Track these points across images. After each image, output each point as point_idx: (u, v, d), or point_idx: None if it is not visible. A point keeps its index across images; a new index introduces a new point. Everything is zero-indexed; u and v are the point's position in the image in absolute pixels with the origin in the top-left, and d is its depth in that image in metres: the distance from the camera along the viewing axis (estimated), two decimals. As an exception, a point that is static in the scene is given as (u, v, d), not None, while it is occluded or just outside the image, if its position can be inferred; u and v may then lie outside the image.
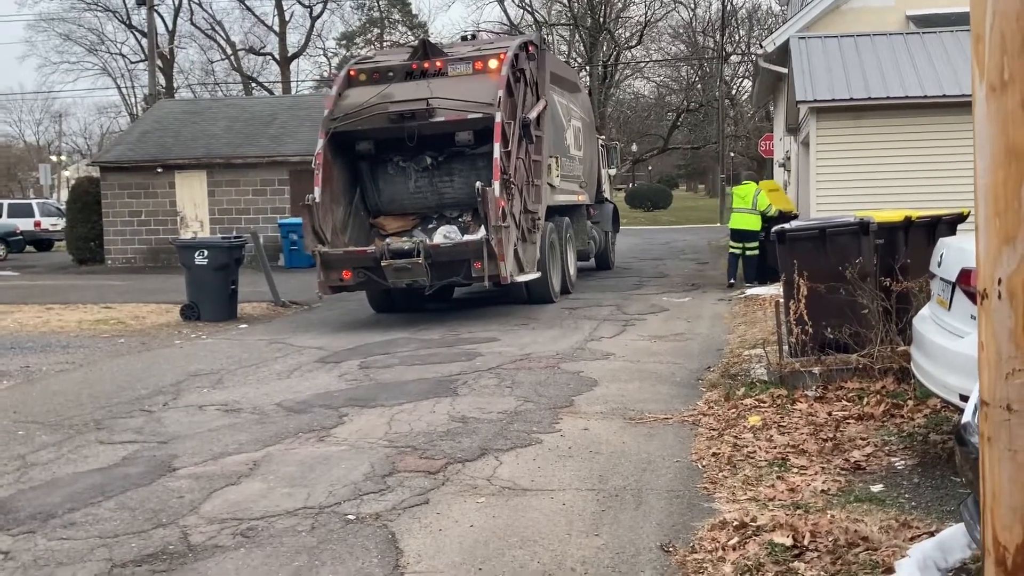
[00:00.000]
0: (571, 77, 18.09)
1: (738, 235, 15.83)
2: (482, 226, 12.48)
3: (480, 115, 12.72)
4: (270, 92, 51.94)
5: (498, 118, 12.49)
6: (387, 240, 13.05)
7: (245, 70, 55.43)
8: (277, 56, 52.79)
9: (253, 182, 25.17)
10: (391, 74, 13.57)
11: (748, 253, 15.83)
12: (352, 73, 13.83)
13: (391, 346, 10.93)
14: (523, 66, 13.66)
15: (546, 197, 14.20)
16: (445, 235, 13.36)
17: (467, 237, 12.90)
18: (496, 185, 12.14)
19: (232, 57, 54.77)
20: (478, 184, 12.28)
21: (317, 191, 12.80)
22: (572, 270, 16.12)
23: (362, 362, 9.87)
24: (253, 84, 54.85)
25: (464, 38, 16.60)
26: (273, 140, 25.69)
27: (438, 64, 13.44)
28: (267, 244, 21.17)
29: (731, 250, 16.16)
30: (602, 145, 20.92)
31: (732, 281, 15.92)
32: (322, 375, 9.23)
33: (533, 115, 13.59)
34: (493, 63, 13.19)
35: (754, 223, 15.58)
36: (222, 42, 54.55)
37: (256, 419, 7.38)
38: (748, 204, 15.69)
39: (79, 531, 4.93)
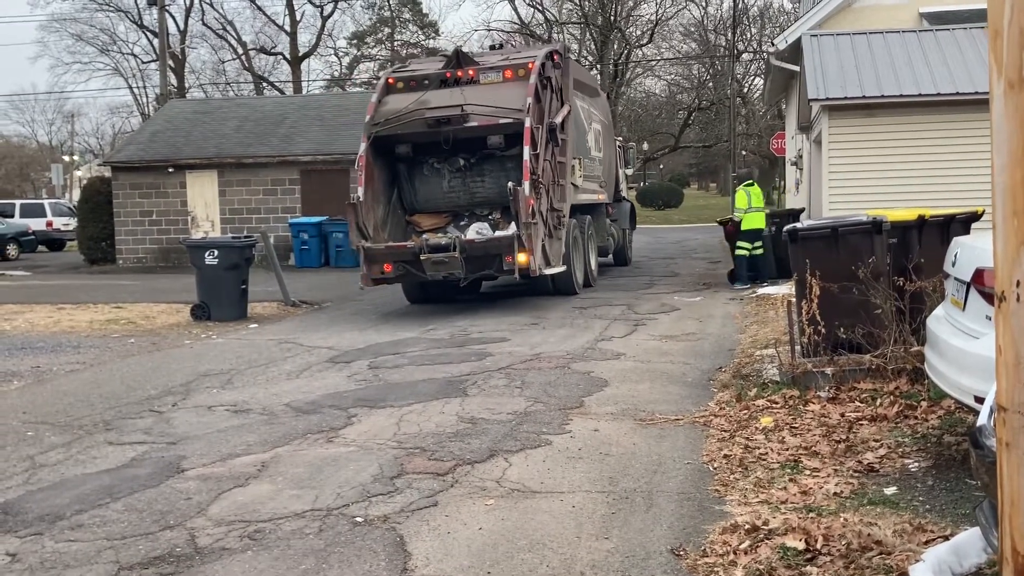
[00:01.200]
0: (591, 83, 19.25)
1: (754, 235, 15.77)
2: (512, 223, 13.39)
3: (511, 120, 13.74)
4: (281, 92, 52.00)
5: (528, 123, 13.45)
6: (425, 236, 14.03)
7: (256, 70, 55.53)
8: (288, 56, 52.82)
9: (264, 182, 25.20)
10: (427, 82, 14.68)
11: (755, 252, 15.80)
12: (391, 81, 14.92)
13: (401, 346, 10.91)
14: (549, 74, 14.67)
15: (570, 196, 15.15)
16: (478, 231, 14.17)
17: (499, 233, 13.75)
18: (526, 185, 13.11)
19: (243, 57, 54.87)
20: (510, 184, 13.23)
21: (360, 190, 13.81)
22: (593, 265, 17.04)
23: (371, 362, 9.85)
24: (264, 84, 54.92)
25: (492, 47, 18.44)
26: (284, 140, 25.71)
27: (470, 72, 14.57)
28: (277, 244, 21.19)
29: (740, 252, 15.94)
30: (619, 146, 21.99)
31: (748, 285, 15.67)
32: (331, 375, 9.21)
33: (559, 120, 14.56)
34: (522, 72, 14.25)
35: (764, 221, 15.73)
36: (233, 42, 54.69)
37: (265, 419, 7.36)
38: (762, 203, 15.77)
39: (86, 533, 4.91)
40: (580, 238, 15.82)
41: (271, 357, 10.47)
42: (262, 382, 8.98)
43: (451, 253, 13.07)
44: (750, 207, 15.82)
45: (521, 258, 12.98)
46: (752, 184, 16.08)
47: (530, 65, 14.18)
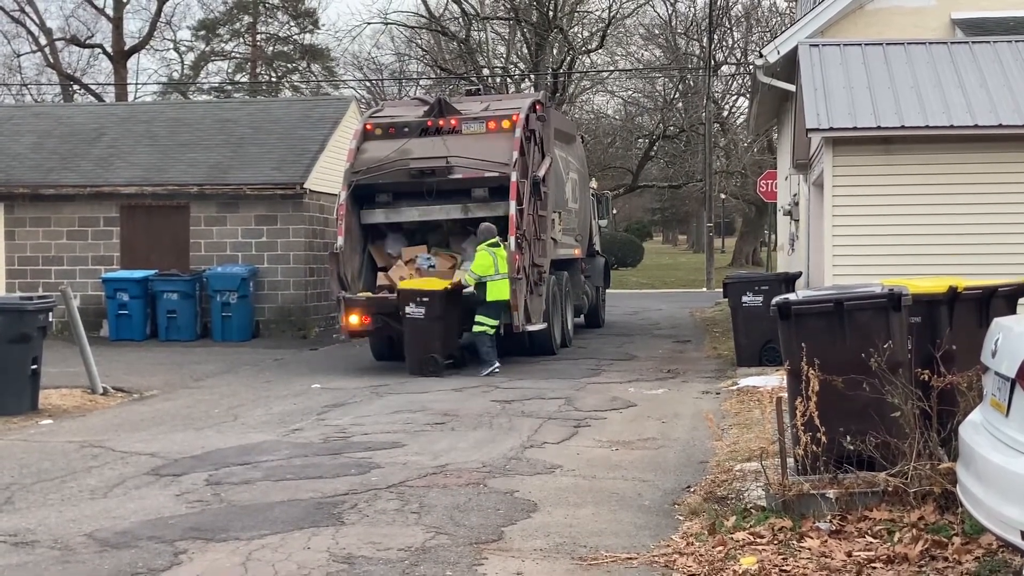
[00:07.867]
0: (569, 129, 23.94)
1: (500, 309, 16.71)
2: None
3: (496, 174, 17.68)
4: (98, 98, 51.55)
5: (514, 177, 17.30)
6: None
7: (65, 67, 54.98)
8: (110, 49, 52.49)
9: (69, 221, 24.78)
10: (407, 129, 18.86)
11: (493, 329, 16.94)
12: (368, 127, 19.14)
13: (252, 453, 10.80)
14: (533, 126, 18.58)
15: (550, 251, 19.10)
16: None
17: None
18: (512, 241, 16.86)
19: (47, 49, 54.33)
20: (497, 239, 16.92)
21: (340, 239, 17.89)
22: (570, 324, 21.30)
23: (211, 475, 9.74)
24: (75, 86, 54.37)
25: (469, 92, 23.32)
26: (99, 164, 25.41)
27: (453, 122, 18.69)
28: (85, 307, 20.82)
29: (480, 328, 16.83)
30: (593, 194, 26.53)
31: (497, 367, 16.62)
32: (153, 494, 9.09)
33: (541, 173, 18.56)
34: (506, 124, 18.35)
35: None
36: (33, 28, 54.13)
37: (57, 557, 7.20)
38: (506, 268, 16.65)
39: None
40: (559, 295, 19.98)
41: (69, 467, 10.27)
42: (55, 502, 8.80)
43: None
44: (497, 272, 16.49)
45: (505, 314, 16.77)
46: (498, 244, 16.66)
47: (515, 117, 18.24)
